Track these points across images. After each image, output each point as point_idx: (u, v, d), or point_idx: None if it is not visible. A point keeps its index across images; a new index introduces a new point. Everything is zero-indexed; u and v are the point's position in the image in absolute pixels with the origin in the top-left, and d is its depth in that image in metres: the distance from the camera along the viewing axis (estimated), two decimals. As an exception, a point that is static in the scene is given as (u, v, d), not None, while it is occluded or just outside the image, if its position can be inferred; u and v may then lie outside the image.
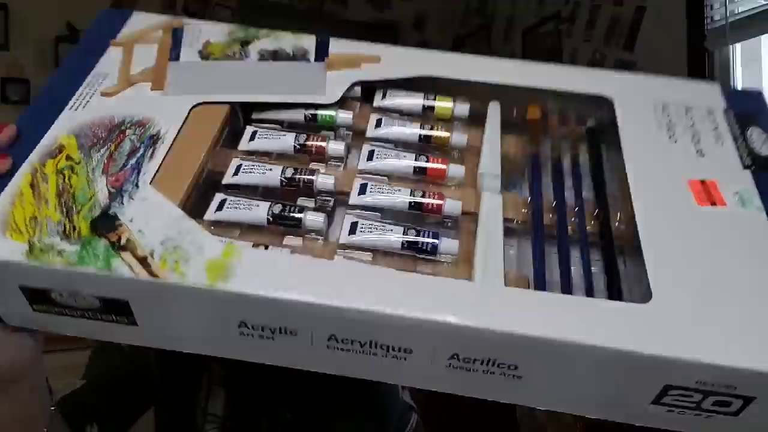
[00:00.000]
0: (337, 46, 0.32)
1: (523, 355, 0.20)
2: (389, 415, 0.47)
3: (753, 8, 1.32)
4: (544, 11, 2.00)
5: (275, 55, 0.32)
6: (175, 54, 0.31)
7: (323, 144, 0.29)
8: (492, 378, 0.21)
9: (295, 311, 0.21)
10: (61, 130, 0.27)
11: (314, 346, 0.21)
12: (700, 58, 1.43)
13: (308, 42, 0.32)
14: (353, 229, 0.24)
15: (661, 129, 0.26)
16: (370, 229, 0.24)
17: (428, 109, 0.30)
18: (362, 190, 0.26)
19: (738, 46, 1.40)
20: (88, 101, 0.28)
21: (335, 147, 0.29)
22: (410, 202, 0.25)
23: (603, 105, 0.28)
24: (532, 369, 0.20)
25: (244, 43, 0.32)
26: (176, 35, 0.32)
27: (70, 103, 0.28)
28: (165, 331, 0.23)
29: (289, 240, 0.25)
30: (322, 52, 0.32)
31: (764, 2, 1.29)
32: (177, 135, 0.27)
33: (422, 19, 2.62)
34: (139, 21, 0.33)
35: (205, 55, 0.32)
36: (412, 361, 0.21)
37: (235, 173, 0.28)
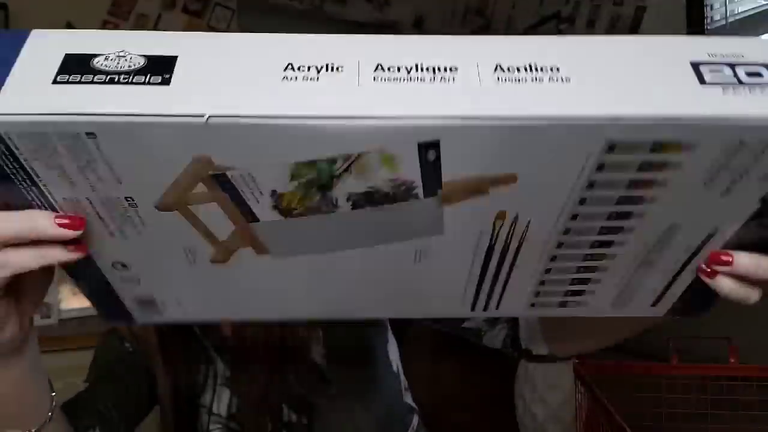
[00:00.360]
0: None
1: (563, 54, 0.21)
2: (392, 416, 0.48)
3: (753, 8, 1.34)
4: (544, 11, 2.00)
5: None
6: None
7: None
8: (541, 87, 0.21)
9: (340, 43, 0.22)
10: None
11: (360, 84, 0.21)
12: (700, 59, 1.44)
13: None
14: None
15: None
16: None
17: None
18: None
19: None
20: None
21: None
22: None
23: None
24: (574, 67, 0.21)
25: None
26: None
27: None
28: (201, 85, 0.21)
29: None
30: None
31: (764, 2, 1.29)
32: None
33: (422, 19, 2.62)
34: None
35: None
36: (459, 80, 0.21)
37: None
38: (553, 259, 0.27)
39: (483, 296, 0.31)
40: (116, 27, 2.11)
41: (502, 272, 0.29)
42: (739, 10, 1.37)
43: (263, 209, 0.24)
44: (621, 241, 0.27)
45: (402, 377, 0.51)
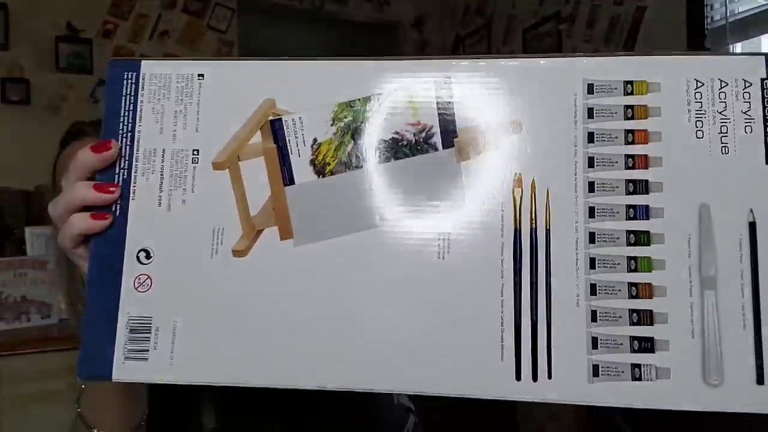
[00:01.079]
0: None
1: None
2: (384, 418, 0.48)
3: (753, 8, 1.34)
4: (544, 11, 2.02)
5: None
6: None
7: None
8: None
9: None
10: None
11: None
12: (701, 58, 1.46)
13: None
14: None
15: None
16: None
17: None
18: None
19: (738, 46, 1.42)
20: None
21: None
22: None
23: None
24: None
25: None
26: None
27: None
28: None
29: None
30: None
31: (764, 2, 1.31)
32: None
33: (422, 19, 2.64)
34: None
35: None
36: None
37: None
38: (593, 265, 0.26)
39: (526, 346, 0.27)
40: (116, 27, 2.11)
41: (539, 285, 0.27)
42: (739, 10, 1.39)
43: (301, 165, 0.29)
44: (657, 232, 0.26)
45: None
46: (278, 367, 0.28)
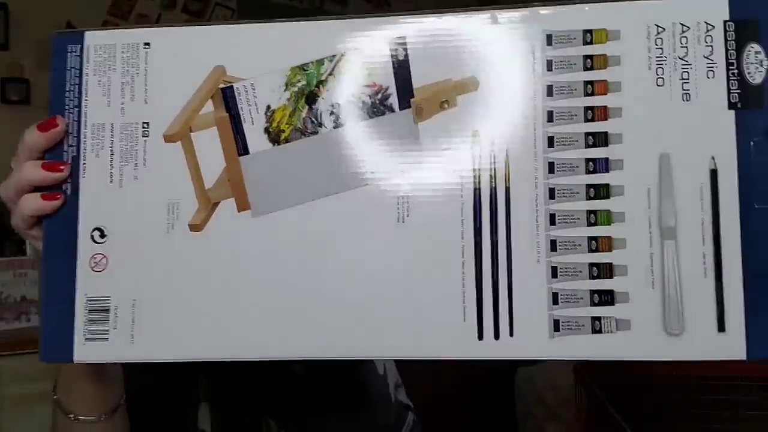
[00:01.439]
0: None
1: None
2: (379, 416, 0.48)
3: None
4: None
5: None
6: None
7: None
8: None
9: None
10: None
11: None
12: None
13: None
14: None
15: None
16: None
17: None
18: None
19: None
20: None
21: None
22: None
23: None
24: None
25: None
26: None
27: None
28: None
29: None
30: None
31: None
32: None
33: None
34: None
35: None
36: None
37: None
38: (553, 221, 0.27)
39: (488, 305, 0.27)
40: (116, 27, 2.14)
41: (500, 245, 0.27)
42: None
43: (255, 134, 0.29)
44: (617, 184, 0.26)
45: (391, 376, 0.51)
46: (242, 340, 0.28)
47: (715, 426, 0.72)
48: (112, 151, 0.29)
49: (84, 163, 0.29)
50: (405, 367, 0.52)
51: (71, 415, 0.35)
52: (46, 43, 0.30)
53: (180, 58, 0.29)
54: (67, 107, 0.29)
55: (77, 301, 0.29)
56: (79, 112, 0.29)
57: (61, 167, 0.29)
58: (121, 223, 0.29)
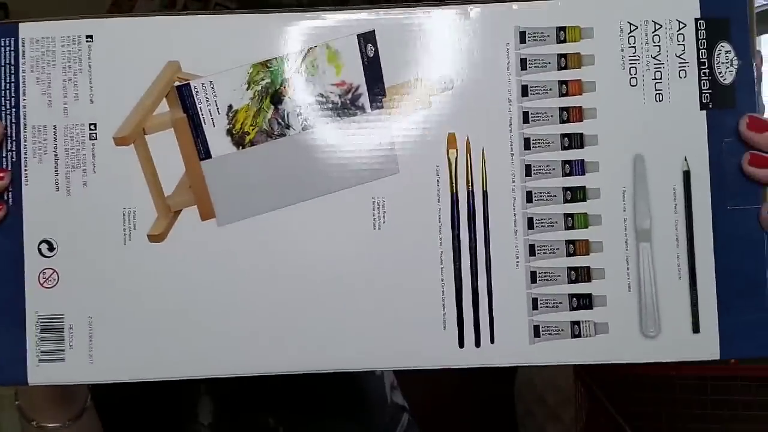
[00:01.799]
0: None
1: None
2: (377, 417, 0.50)
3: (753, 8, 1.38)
4: None
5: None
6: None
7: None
8: None
9: None
10: None
11: None
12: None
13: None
14: None
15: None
16: None
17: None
18: None
19: None
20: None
21: None
22: None
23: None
24: None
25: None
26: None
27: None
28: None
29: None
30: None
31: (764, 2, 1.33)
32: None
33: None
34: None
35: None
36: None
37: None
38: (531, 225, 0.28)
39: (468, 313, 0.29)
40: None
41: (478, 250, 0.28)
42: None
43: (217, 136, 0.29)
44: (593, 187, 0.29)
45: (387, 376, 0.54)
46: (209, 356, 0.29)
47: (715, 426, 0.75)
48: (56, 155, 0.29)
49: (26, 170, 0.29)
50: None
51: (33, 422, 0.36)
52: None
53: (128, 52, 0.29)
54: (4, 108, 0.29)
55: (27, 319, 0.29)
56: (17, 113, 0.29)
57: (0, 174, 0.29)
58: (71, 234, 0.29)
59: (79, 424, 0.37)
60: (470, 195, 0.29)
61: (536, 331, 0.28)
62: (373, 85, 0.29)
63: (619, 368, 0.81)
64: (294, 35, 0.29)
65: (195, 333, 0.29)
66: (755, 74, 0.28)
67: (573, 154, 0.29)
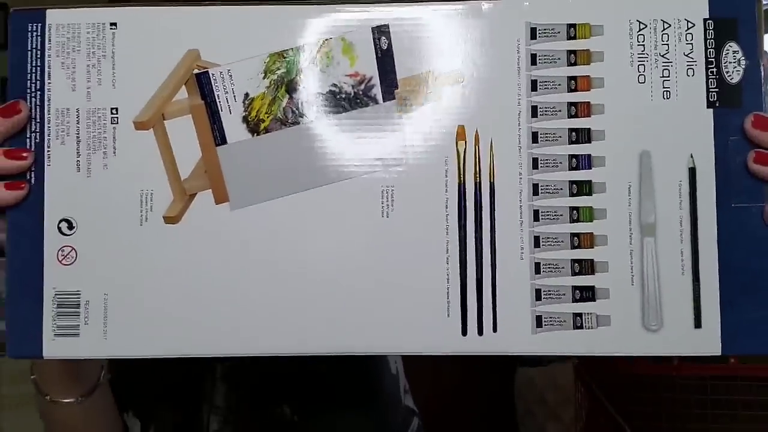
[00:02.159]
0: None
1: None
2: (390, 416, 0.51)
3: None
4: None
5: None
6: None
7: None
8: None
9: None
10: None
11: None
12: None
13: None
14: None
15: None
16: None
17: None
18: None
19: None
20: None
21: None
22: None
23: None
24: None
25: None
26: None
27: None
28: None
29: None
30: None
31: (765, 2, 1.32)
32: None
33: None
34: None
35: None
36: None
37: None
38: (537, 217, 0.29)
39: (472, 301, 0.29)
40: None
41: (484, 240, 0.29)
42: None
43: (233, 123, 0.30)
44: (599, 181, 0.29)
45: (402, 379, 0.54)
46: (220, 335, 0.30)
47: (715, 426, 0.75)
48: (78, 138, 0.30)
49: (48, 151, 0.30)
50: (405, 367, 0.55)
51: (47, 396, 0.37)
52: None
53: (150, 40, 0.30)
54: (29, 91, 0.30)
55: (45, 295, 0.30)
56: (42, 96, 0.30)
57: (24, 155, 0.29)
58: (90, 214, 0.30)
59: (91, 400, 0.38)
60: (477, 186, 0.29)
61: (538, 322, 0.29)
62: (385, 76, 0.30)
63: (619, 368, 0.81)
64: (310, 27, 0.30)
65: (205, 312, 0.30)
66: (762, 74, 0.28)
67: (580, 149, 0.29)
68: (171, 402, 0.47)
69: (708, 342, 0.28)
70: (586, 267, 0.29)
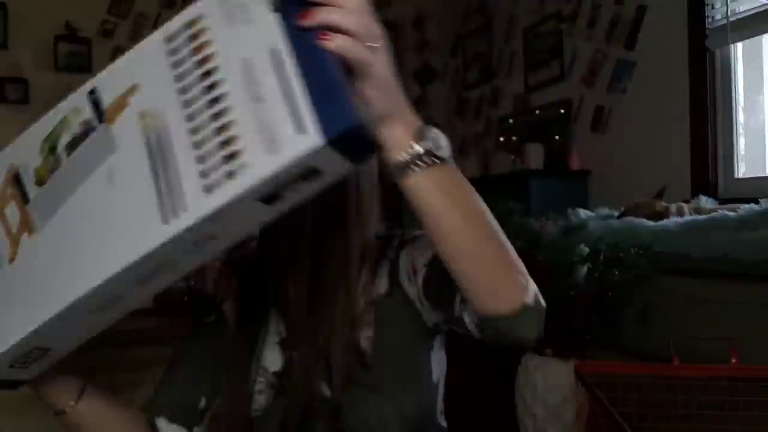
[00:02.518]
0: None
1: None
2: (421, 424, 0.51)
3: (754, 7, 1.41)
4: (545, 10, 2.13)
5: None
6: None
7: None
8: None
9: None
10: None
11: None
12: (701, 58, 1.53)
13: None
14: None
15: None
16: None
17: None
18: None
19: (739, 45, 1.50)
20: None
21: None
22: None
23: None
24: None
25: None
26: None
27: None
28: None
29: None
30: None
31: (764, 2, 1.38)
32: None
33: (422, 18, 2.76)
34: None
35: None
36: None
37: None
38: (194, 131, 0.34)
39: (166, 192, 0.34)
40: (115, 26, 2.23)
41: (169, 162, 0.35)
42: (740, 10, 1.45)
43: (32, 190, 0.41)
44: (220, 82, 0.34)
45: (440, 394, 0.54)
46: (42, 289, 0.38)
47: (715, 426, 0.74)
48: None
49: None
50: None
51: (53, 411, 0.45)
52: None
53: None
54: None
55: None
56: None
57: None
58: None
59: (81, 405, 0.45)
60: (155, 137, 0.36)
61: (208, 189, 0.33)
62: (96, 112, 0.38)
63: (619, 368, 0.81)
64: (65, 108, 0.40)
65: None
66: None
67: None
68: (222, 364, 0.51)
69: (311, 138, 0.30)
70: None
